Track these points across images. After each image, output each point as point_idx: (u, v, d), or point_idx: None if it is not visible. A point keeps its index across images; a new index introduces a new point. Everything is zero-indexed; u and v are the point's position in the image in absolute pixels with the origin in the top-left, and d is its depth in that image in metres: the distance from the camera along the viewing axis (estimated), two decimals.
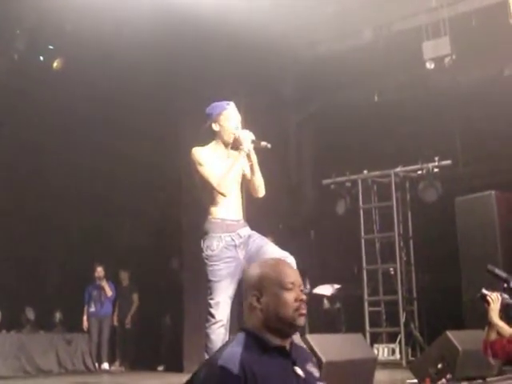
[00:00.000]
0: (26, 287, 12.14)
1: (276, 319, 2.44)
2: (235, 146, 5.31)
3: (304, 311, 2.50)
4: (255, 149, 5.30)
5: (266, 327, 2.44)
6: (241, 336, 2.44)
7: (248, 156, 5.26)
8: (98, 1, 9.41)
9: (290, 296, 2.46)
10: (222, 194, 5.15)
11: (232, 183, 5.22)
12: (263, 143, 5.30)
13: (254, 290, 2.48)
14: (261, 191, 5.42)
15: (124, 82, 10.77)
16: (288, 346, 2.48)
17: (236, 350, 2.35)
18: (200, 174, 5.19)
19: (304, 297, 2.51)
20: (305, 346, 2.66)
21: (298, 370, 2.43)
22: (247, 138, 5.25)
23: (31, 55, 11.00)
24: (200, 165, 5.19)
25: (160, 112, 11.09)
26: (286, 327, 2.46)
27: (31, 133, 11.67)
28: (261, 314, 2.45)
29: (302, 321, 2.48)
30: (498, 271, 5.04)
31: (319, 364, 4.75)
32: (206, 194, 5.25)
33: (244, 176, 5.37)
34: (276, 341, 2.44)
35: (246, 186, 5.45)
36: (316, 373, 2.54)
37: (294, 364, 2.44)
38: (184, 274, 11.11)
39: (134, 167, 12.23)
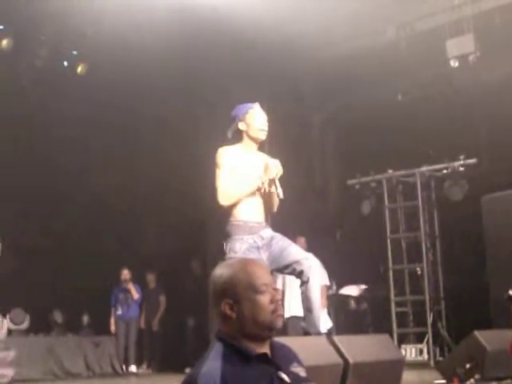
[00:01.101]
0: (54, 290, 12.24)
1: (253, 325, 2.29)
2: (262, 144, 5.33)
3: (281, 312, 2.38)
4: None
5: (243, 335, 2.30)
6: (218, 346, 2.30)
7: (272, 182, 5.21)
8: (118, 6, 9.46)
9: (265, 299, 2.32)
10: (218, 203, 5.16)
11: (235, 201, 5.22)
12: (278, 190, 5.22)
13: (226, 297, 2.32)
14: (273, 209, 5.42)
15: (145, 86, 10.84)
16: (269, 351, 2.34)
17: (215, 364, 2.20)
18: (215, 177, 5.21)
19: (279, 296, 2.39)
20: (287, 345, 2.51)
21: (283, 375, 2.28)
22: (274, 168, 5.19)
23: (55, 61, 11.09)
24: (218, 167, 5.20)
25: (182, 116, 11.14)
26: (264, 332, 2.32)
27: (56, 139, 11.75)
28: (236, 322, 2.30)
29: (279, 322, 2.37)
30: None
31: (346, 365, 4.74)
32: (222, 208, 5.26)
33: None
34: (255, 348, 2.30)
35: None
36: (302, 372, 2.39)
37: (278, 369, 2.30)
38: (208, 276, 11.11)
39: (157, 170, 12.27)
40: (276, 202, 5.35)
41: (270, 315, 2.31)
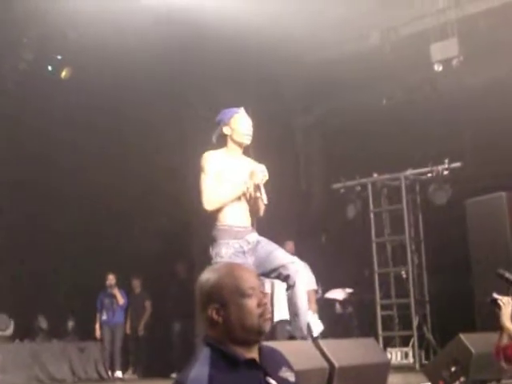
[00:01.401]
0: (38, 296, 12.17)
1: (241, 330, 2.27)
2: (246, 148, 5.34)
3: (269, 315, 2.35)
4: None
5: (230, 340, 2.27)
6: (206, 351, 2.27)
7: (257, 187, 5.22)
8: (102, 9, 9.44)
9: (252, 303, 2.29)
10: (205, 210, 5.15)
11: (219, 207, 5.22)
12: (263, 196, 5.20)
13: (212, 301, 2.29)
14: (260, 213, 5.42)
15: (130, 89, 10.82)
16: (257, 356, 2.32)
17: (203, 369, 2.18)
18: (200, 181, 5.21)
19: (266, 300, 2.35)
20: (276, 349, 2.49)
21: (271, 381, 2.25)
22: (260, 174, 5.19)
23: (39, 65, 11.04)
24: (203, 172, 5.21)
25: (168, 119, 11.13)
26: (252, 336, 2.29)
27: (39, 142, 11.70)
28: (223, 327, 2.28)
29: (267, 326, 2.33)
30: (508, 275, 5.01)
31: (331, 369, 4.74)
32: (206, 212, 5.26)
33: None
34: (244, 352, 2.27)
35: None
36: (291, 377, 2.35)
37: (266, 374, 2.26)
38: (194, 281, 11.08)
39: (141, 175, 12.24)
40: (262, 207, 5.36)
41: (257, 319, 2.28)
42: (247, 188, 5.17)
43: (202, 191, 5.18)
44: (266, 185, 5.22)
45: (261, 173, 5.19)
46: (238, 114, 5.39)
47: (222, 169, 5.24)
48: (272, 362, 2.35)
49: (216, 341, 2.29)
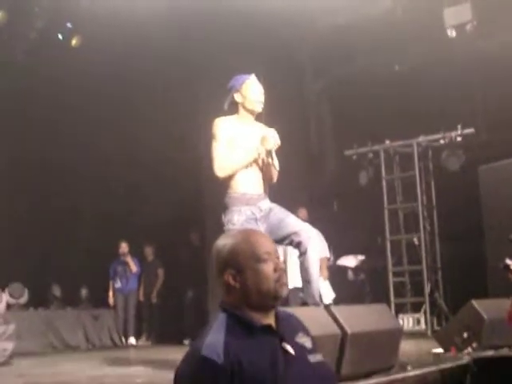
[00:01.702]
0: (52, 265, 12.26)
1: (257, 295, 2.27)
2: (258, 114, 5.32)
3: (285, 280, 2.34)
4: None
5: (247, 305, 2.28)
6: (222, 317, 2.28)
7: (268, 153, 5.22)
8: None
9: (268, 268, 2.30)
10: (217, 177, 5.14)
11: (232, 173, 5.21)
12: (274, 162, 5.22)
13: (229, 267, 2.30)
14: (273, 180, 5.41)
15: (141, 57, 10.78)
16: (273, 322, 2.31)
17: (218, 336, 2.18)
18: (211, 148, 5.19)
19: (282, 265, 2.36)
20: (293, 314, 2.48)
21: (287, 347, 2.24)
22: (271, 139, 5.19)
23: (50, 34, 11.01)
24: (214, 139, 5.19)
25: (178, 87, 11.06)
26: (268, 301, 2.30)
27: (51, 112, 11.69)
28: (240, 293, 2.28)
29: (284, 291, 2.33)
30: None
31: (344, 336, 4.75)
32: (218, 179, 5.25)
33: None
34: (260, 318, 2.27)
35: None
36: (308, 343, 2.35)
37: (282, 340, 2.26)
38: (206, 248, 11.15)
39: (153, 143, 12.23)
40: (275, 173, 5.35)
41: (273, 284, 2.29)
42: (259, 154, 5.16)
43: (213, 158, 5.17)
44: (277, 151, 5.21)
45: (272, 138, 5.18)
46: (249, 80, 5.37)
47: (233, 135, 5.22)
48: (288, 328, 2.34)
49: (232, 306, 2.29)
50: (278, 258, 2.37)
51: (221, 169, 5.15)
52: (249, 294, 2.28)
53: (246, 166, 5.21)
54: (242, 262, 2.29)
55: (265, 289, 2.28)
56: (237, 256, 2.30)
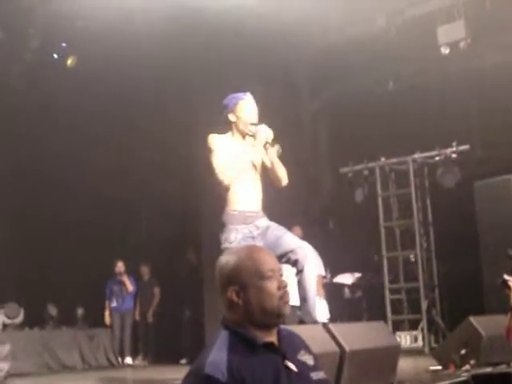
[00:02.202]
0: (48, 285, 12.20)
1: (260, 312, 2.26)
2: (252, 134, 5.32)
3: (288, 298, 2.33)
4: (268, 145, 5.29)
5: (249, 322, 2.26)
6: (224, 335, 2.26)
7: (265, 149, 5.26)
8: None
9: (272, 285, 2.28)
10: (221, 182, 5.14)
11: (245, 173, 5.21)
12: (276, 147, 5.26)
13: (232, 284, 2.28)
14: (283, 181, 5.41)
15: (138, 75, 10.80)
16: (276, 340, 2.30)
17: (221, 354, 2.16)
18: (209, 160, 5.19)
19: (286, 283, 2.34)
20: (295, 332, 2.46)
21: (290, 365, 2.23)
22: (264, 134, 5.23)
23: (45, 54, 11.04)
24: (211, 151, 5.19)
25: (177, 105, 11.09)
26: (271, 319, 2.28)
27: (46, 131, 11.70)
28: (243, 310, 2.26)
29: (287, 309, 2.32)
30: None
31: (342, 353, 4.74)
32: (223, 186, 5.25)
33: (265, 166, 5.35)
34: (262, 336, 2.25)
35: (268, 177, 5.43)
36: (310, 360, 2.34)
37: (285, 358, 2.25)
38: (203, 267, 11.14)
39: (149, 160, 12.24)
40: (283, 173, 5.36)
41: (277, 302, 2.28)
42: (256, 149, 5.19)
43: (214, 167, 5.15)
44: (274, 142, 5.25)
45: (264, 132, 5.21)
46: (243, 100, 5.35)
47: (228, 149, 5.23)
48: (290, 346, 2.33)
49: (235, 324, 2.28)
50: (281, 275, 2.36)
51: (223, 173, 5.13)
52: (252, 311, 2.26)
53: (246, 182, 5.20)
54: (246, 279, 2.27)
55: (268, 306, 2.27)
56: (240, 273, 2.29)
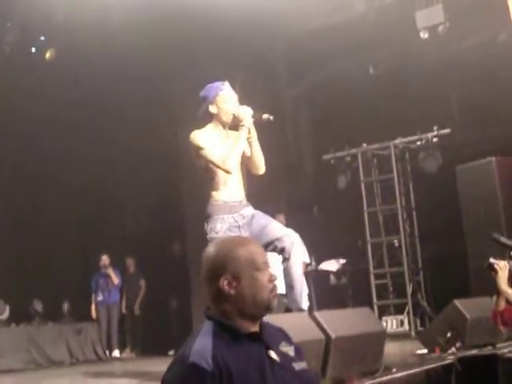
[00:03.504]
0: (33, 280, 12.16)
1: (251, 303, 2.25)
2: (235, 124, 5.29)
3: (277, 291, 2.33)
4: (256, 123, 5.27)
5: (238, 313, 2.25)
6: (208, 325, 2.26)
7: (248, 131, 5.24)
8: None
9: (264, 277, 2.28)
10: (227, 172, 5.13)
11: (236, 161, 5.20)
12: (265, 116, 5.25)
13: (225, 272, 2.25)
14: (261, 168, 5.41)
15: (117, 68, 10.74)
16: (259, 330, 2.30)
17: (206, 343, 2.16)
18: (203, 157, 5.17)
19: (276, 276, 2.34)
20: (276, 324, 2.46)
21: (273, 355, 2.24)
22: (247, 113, 5.22)
23: (23, 47, 10.96)
24: (201, 149, 5.17)
25: (155, 95, 11.06)
26: (260, 311, 2.28)
27: (26, 125, 11.64)
28: (234, 300, 2.25)
29: (276, 302, 2.32)
30: (503, 239, 5.03)
31: (328, 340, 4.76)
32: (208, 177, 5.24)
33: (244, 154, 5.33)
34: (247, 326, 2.25)
35: (246, 164, 5.42)
36: (291, 351, 2.34)
37: (268, 348, 2.25)
38: (188, 257, 11.14)
39: (131, 153, 12.21)
40: (262, 161, 5.35)
41: (268, 294, 2.28)
42: (249, 130, 5.18)
43: (212, 160, 5.14)
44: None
45: (244, 111, 5.21)
46: (222, 91, 5.32)
47: (214, 144, 5.21)
48: (272, 337, 2.33)
49: (221, 313, 2.27)
50: (269, 268, 2.35)
51: (225, 162, 5.11)
52: (243, 301, 2.24)
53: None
54: (240, 269, 2.25)
55: (259, 298, 2.26)
56: (234, 261, 2.26)
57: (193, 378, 2.09)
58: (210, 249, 2.37)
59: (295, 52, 11.91)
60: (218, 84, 5.35)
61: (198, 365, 2.09)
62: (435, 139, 10.95)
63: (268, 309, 2.30)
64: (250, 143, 5.29)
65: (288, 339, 2.40)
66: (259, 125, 5.30)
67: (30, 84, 11.04)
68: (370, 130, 11.43)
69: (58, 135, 12.09)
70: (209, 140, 5.21)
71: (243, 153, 5.30)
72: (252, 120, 5.22)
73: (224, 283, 2.25)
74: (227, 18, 9.68)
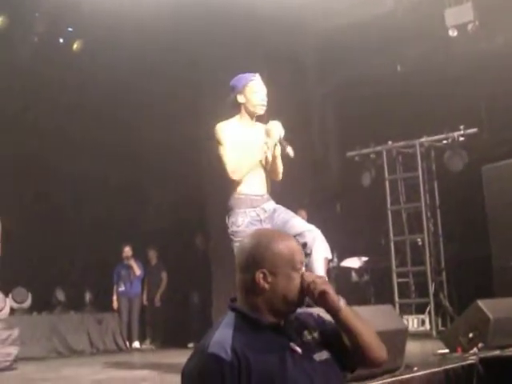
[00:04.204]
0: (55, 269, 12.24)
1: (283, 301, 2.26)
2: (263, 117, 5.29)
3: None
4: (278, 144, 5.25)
5: (268, 308, 2.25)
6: (230, 316, 2.28)
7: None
8: None
9: (298, 277, 2.29)
10: (232, 179, 5.14)
11: (247, 171, 5.20)
12: (289, 149, 5.18)
13: (262, 266, 2.24)
14: (279, 176, 5.41)
15: (144, 59, 10.78)
16: (282, 321, 2.30)
17: (226, 333, 2.18)
18: (219, 154, 5.17)
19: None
20: (302, 312, 2.43)
21: (294, 347, 2.24)
22: (277, 133, 5.18)
23: (51, 38, 11.02)
24: (220, 144, 5.17)
25: (181, 89, 11.05)
26: (290, 308, 2.30)
27: (55, 115, 11.72)
28: (267, 295, 2.24)
29: (305, 301, 2.34)
30: None
31: None
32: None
33: (265, 159, 5.33)
34: (270, 319, 2.26)
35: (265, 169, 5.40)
36: (315, 339, 2.33)
37: (290, 339, 2.26)
38: (210, 251, 11.15)
39: (156, 145, 12.23)
40: (281, 170, 5.34)
41: (299, 294, 2.29)
42: (268, 147, 5.16)
43: (225, 163, 5.14)
44: (285, 139, 5.20)
45: (276, 129, 5.16)
46: (252, 81, 5.30)
47: (237, 138, 5.20)
48: (299, 326, 2.33)
49: (249, 305, 2.26)
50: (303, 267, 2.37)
51: (234, 172, 5.13)
52: (275, 297, 2.25)
53: (256, 164, 5.20)
54: (278, 265, 2.25)
55: (290, 298, 2.27)
56: (275, 258, 2.26)
57: (211, 368, 2.10)
58: (250, 239, 2.37)
59: (324, 48, 11.88)
60: (248, 75, 5.34)
61: (216, 355, 2.10)
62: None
63: (298, 306, 2.32)
64: (273, 157, 5.27)
65: (317, 322, 2.41)
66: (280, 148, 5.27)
67: (58, 74, 11.10)
68: (396, 128, 11.36)
69: (85, 126, 12.16)
70: (232, 134, 5.20)
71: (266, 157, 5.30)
72: (278, 138, 5.18)
73: (260, 276, 2.24)
74: (257, 13, 9.67)
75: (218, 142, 5.19)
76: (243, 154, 5.15)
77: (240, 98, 5.28)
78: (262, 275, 2.24)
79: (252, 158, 5.17)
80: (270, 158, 5.28)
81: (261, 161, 5.26)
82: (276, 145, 5.21)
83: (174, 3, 9.48)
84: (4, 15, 10.41)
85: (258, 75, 5.34)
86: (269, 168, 5.34)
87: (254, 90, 5.27)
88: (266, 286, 2.24)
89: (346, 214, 12.36)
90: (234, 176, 5.12)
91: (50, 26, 10.76)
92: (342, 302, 2.35)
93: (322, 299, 2.32)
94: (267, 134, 5.16)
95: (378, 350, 2.46)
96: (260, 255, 2.27)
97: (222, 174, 5.33)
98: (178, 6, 9.52)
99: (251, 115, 5.32)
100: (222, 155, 5.16)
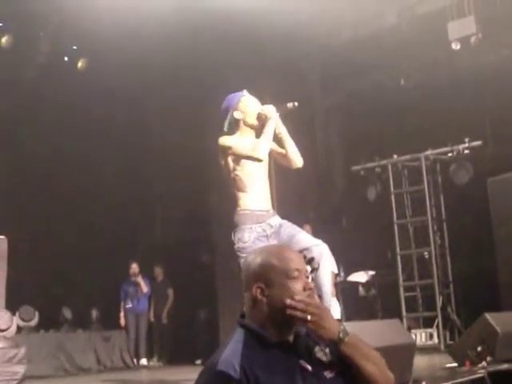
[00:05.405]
0: (62, 287, 12.23)
1: (282, 313, 2.22)
2: (262, 125, 5.29)
3: (313, 301, 2.29)
4: (284, 117, 5.27)
5: (271, 322, 2.23)
6: (240, 333, 2.26)
7: (276, 127, 5.26)
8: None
9: (297, 286, 2.26)
10: (258, 160, 5.13)
11: (255, 171, 5.20)
12: (289, 104, 5.25)
13: (258, 281, 2.26)
14: (298, 161, 5.40)
15: (148, 76, 10.82)
16: (291, 338, 2.27)
17: (235, 351, 2.16)
18: (233, 154, 5.18)
19: (312, 284, 2.33)
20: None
21: (304, 364, 2.22)
22: (271, 109, 5.24)
23: (56, 57, 11.08)
24: (229, 148, 5.19)
25: (187, 106, 11.08)
26: (293, 322, 2.25)
27: (60, 133, 11.75)
28: (266, 308, 2.24)
29: None
30: None
31: None
32: (235, 186, 5.24)
33: (277, 152, 5.34)
34: (280, 335, 2.24)
35: (281, 161, 5.42)
36: (323, 357, 2.29)
37: (299, 357, 2.23)
38: (217, 267, 11.14)
39: (163, 162, 12.27)
40: (297, 153, 5.35)
41: None
42: (272, 118, 5.19)
43: (241, 154, 5.17)
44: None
45: (271, 109, 5.23)
46: (244, 97, 5.37)
47: (242, 142, 5.24)
48: (310, 342, 2.31)
49: (255, 322, 2.26)
50: (307, 277, 2.35)
51: (254, 149, 5.12)
52: (275, 310, 2.24)
53: (256, 181, 5.20)
54: (272, 277, 2.25)
55: None
56: (267, 270, 2.27)
57: None
58: (249, 256, 2.41)
59: (327, 63, 11.91)
60: (237, 93, 5.40)
61: (225, 372, 2.09)
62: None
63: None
64: (281, 140, 5.30)
65: (324, 343, 2.34)
66: (287, 117, 5.29)
67: (63, 93, 11.15)
68: (401, 141, 11.37)
69: (89, 143, 12.19)
70: (238, 140, 5.24)
71: (274, 150, 5.31)
72: (278, 114, 5.22)
73: (257, 291, 2.25)
74: (261, 28, 9.71)
75: (226, 150, 5.20)
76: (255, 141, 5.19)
77: (237, 114, 5.31)
78: (259, 290, 2.25)
79: (266, 134, 5.17)
80: (279, 150, 5.32)
81: (265, 172, 5.27)
82: (288, 112, 5.24)
83: (177, 23, 9.52)
84: (9, 34, 10.47)
85: (245, 91, 5.39)
86: (284, 155, 5.34)
87: (248, 104, 5.33)
88: (264, 299, 2.24)
89: (352, 228, 12.34)
90: (255, 152, 5.09)
91: (55, 45, 10.82)
92: (342, 334, 2.31)
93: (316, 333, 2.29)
94: (265, 117, 5.20)
95: (384, 381, 2.44)
96: (254, 271, 2.30)
97: (228, 192, 5.33)
98: (182, 24, 9.57)
99: (252, 127, 5.34)
100: (235, 151, 5.17)
